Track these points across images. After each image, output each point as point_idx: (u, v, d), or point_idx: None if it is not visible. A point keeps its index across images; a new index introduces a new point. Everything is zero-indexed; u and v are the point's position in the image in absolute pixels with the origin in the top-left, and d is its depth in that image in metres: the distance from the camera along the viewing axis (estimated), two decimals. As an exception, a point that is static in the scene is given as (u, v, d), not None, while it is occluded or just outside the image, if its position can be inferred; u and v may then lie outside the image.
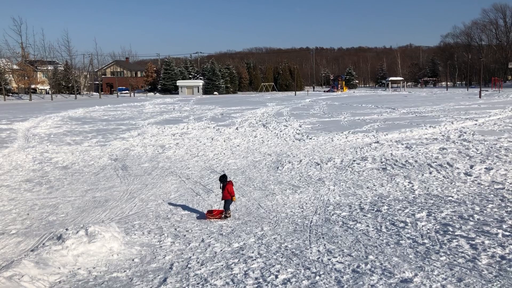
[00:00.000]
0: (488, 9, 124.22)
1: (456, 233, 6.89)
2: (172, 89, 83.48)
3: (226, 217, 8.85)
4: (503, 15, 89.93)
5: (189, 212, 9.52)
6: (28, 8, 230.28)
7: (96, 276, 5.83)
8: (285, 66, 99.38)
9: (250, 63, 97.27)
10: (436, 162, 13.01)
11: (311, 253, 6.33)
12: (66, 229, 7.07)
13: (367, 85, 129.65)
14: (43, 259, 6.08)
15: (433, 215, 8.04)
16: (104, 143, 19.21)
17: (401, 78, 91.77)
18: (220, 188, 9.10)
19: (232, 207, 9.17)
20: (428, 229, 7.23)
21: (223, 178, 9.13)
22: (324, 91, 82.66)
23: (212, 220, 8.80)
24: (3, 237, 7.74)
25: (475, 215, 7.83)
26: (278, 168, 13.73)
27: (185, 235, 7.78)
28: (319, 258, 6.08)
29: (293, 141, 18.89)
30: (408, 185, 10.71)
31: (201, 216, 9.14)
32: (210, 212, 9.09)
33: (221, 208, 9.12)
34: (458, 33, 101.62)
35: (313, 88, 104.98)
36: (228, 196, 8.85)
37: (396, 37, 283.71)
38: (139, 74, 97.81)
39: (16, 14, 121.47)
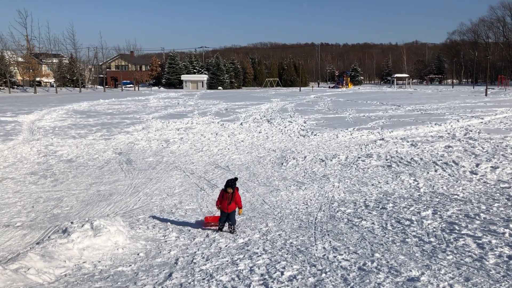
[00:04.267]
0: (495, 6, 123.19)
1: (462, 232, 6.83)
2: (176, 84, 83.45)
3: (233, 231, 7.46)
4: (511, 12, 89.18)
5: (193, 207, 9.51)
6: (34, 1, 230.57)
7: (101, 270, 5.83)
8: (290, 61, 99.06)
9: (255, 58, 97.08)
10: (441, 160, 12.94)
11: (316, 250, 6.31)
12: (71, 223, 7.07)
13: (372, 82, 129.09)
14: (48, 252, 6.09)
15: (438, 213, 7.99)
16: (108, 137, 19.23)
17: (406, 75, 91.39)
18: (226, 191, 7.29)
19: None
20: (434, 227, 7.18)
21: (233, 183, 7.34)
22: (329, 87, 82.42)
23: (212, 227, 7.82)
24: (8, 229, 7.75)
25: (481, 214, 7.77)
26: (282, 164, 13.70)
27: (189, 230, 7.77)
28: (324, 255, 6.05)
29: (298, 137, 18.84)
30: (413, 182, 10.65)
31: (197, 224, 8.12)
32: (207, 220, 7.96)
33: (217, 215, 7.77)
34: (465, 30, 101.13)
35: (318, 84, 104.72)
36: (234, 207, 7.39)
37: (402, 33, 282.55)
38: (143, 68, 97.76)
39: (21, 7, 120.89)
